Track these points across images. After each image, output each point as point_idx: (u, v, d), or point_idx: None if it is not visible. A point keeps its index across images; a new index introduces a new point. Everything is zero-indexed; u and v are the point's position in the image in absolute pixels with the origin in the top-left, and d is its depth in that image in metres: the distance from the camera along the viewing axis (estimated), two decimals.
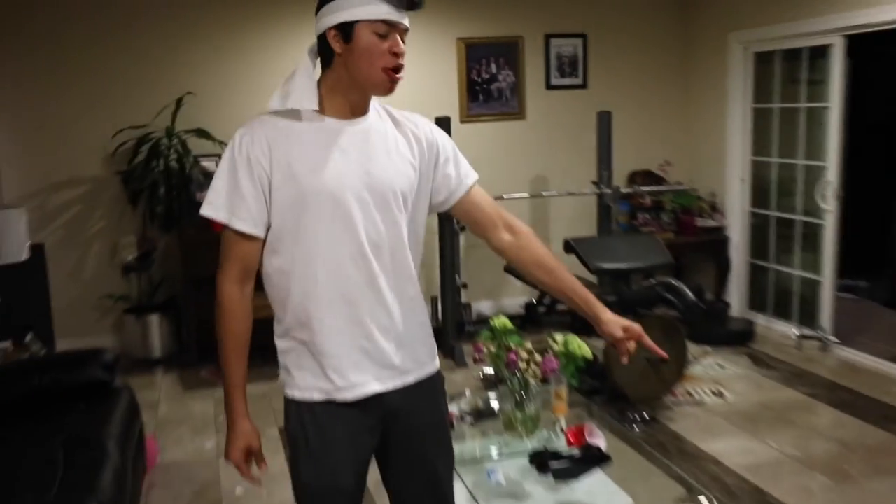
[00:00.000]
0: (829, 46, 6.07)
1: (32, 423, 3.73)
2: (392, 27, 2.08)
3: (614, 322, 2.35)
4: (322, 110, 2.16)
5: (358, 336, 2.18)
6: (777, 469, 4.33)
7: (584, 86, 7.50)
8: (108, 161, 6.54)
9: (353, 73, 2.11)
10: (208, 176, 6.34)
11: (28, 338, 5.09)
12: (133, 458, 3.72)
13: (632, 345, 2.36)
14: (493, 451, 3.67)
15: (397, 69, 2.12)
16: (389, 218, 2.18)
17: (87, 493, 3.03)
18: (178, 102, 6.45)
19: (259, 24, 6.74)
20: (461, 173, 2.35)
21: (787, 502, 3.97)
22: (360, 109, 2.19)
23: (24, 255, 4.67)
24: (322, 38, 2.13)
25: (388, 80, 2.12)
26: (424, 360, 2.33)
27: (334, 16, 2.07)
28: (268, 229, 2.15)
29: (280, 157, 2.10)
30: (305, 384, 2.21)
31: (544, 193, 7.22)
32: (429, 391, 2.35)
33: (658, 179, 7.54)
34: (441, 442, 2.43)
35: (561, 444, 3.74)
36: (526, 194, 7.04)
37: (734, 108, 7.08)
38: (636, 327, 2.35)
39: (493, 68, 7.27)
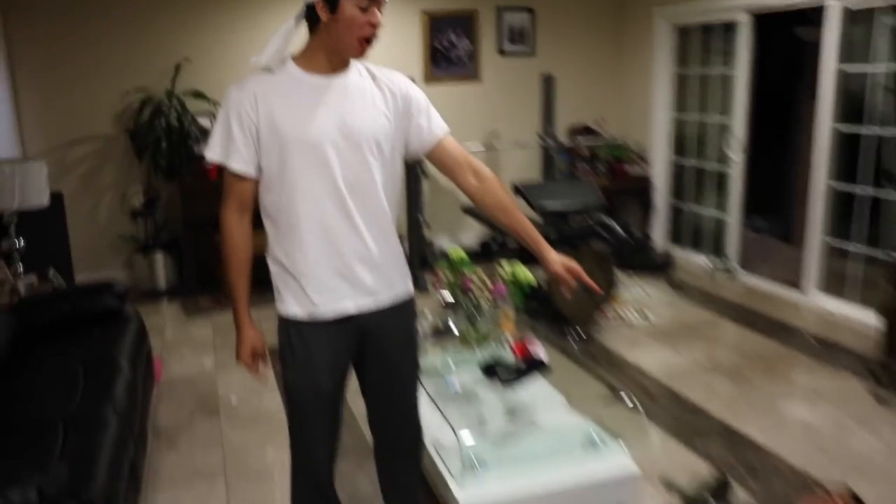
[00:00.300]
0: (737, 23, 6.10)
1: (56, 345, 3.77)
2: (373, 2, 2.10)
3: (558, 261, 2.42)
4: (306, 68, 2.19)
5: (336, 262, 2.22)
6: (688, 374, 4.45)
7: (531, 53, 7.47)
8: (117, 119, 6.47)
9: (334, 38, 2.14)
10: (204, 132, 6.31)
11: (50, 273, 5.08)
12: (143, 374, 3.75)
13: (573, 281, 2.43)
14: (451, 364, 3.74)
15: (371, 38, 2.15)
16: (363, 161, 2.20)
17: (105, 402, 3.09)
18: (177, 67, 6.38)
19: None
20: (433, 124, 2.35)
21: (695, 400, 4.10)
22: (340, 67, 2.21)
23: (45, 202, 4.64)
24: (310, 6, 2.14)
25: (362, 47, 2.16)
26: (397, 285, 2.36)
27: None
28: (261, 171, 2.20)
29: (266, 109, 2.14)
30: (291, 303, 2.26)
31: (496, 146, 7.25)
32: (401, 312, 2.39)
33: (594, 133, 7.58)
34: (410, 357, 2.48)
35: (508, 356, 3.82)
36: (481, 147, 7.08)
37: (658, 73, 7.10)
38: (576, 267, 2.42)
39: (453, 37, 7.22)
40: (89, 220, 6.56)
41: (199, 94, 6.39)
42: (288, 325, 2.29)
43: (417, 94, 2.35)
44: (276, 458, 3.61)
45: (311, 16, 2.17)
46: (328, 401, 2.35)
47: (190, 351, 5.14)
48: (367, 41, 2.15)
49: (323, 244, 2.21)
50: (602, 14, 7.66)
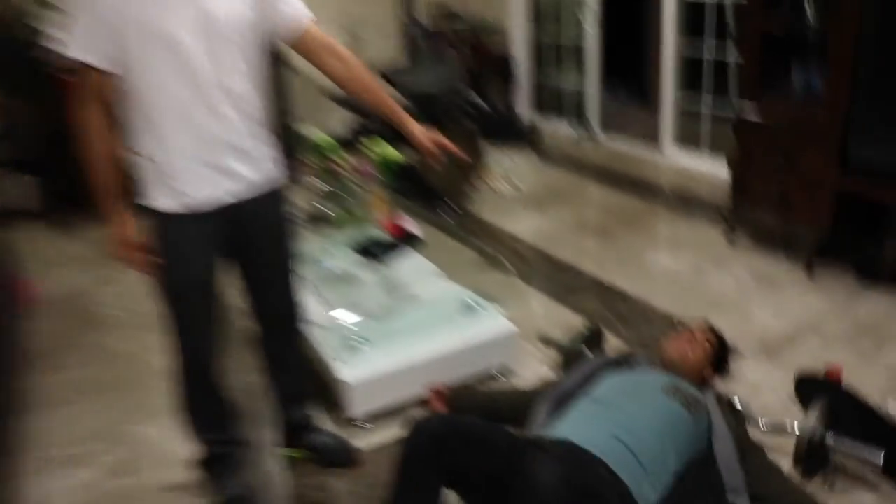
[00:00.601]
0: None
1: None
2: None
3: (423, 134, 2.38)
4: None
5: (204, 153, 2.08)
6: (558, 236, 4.46)
7: None
8: None
9: None
10: (54, 42, 5.73)
11: None
12: (6, 294, 3.44)
13: (439, 153, 2.39)
14: (327, 248, 3.61)
15: None
16: (224, 49, 2.03)
17: None
18: None
19: None
20: (298, 11, 2.20)
21: (567, 259, 4.10)
22: None
23: None
24: None
25: None
26: (268, 171, 2.24)
27: None
28: (115, 62, 1.99)
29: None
30: (160, 196, 2.10)
31: (358, 33, 6.90)
32: (274, 199, 2.28)
33: (456, 15, 7.32)
34: (285, 242, 2.36)
35: (382, 235, 3.70)
36: (343, 33, 6.71)
37: None
38: (441, 138, 2.39)
39: None
40: None
41: (44, 2, 5.74)
42: (158, 219, 2.13)
43: None
44: (166, 364, 3.40)
45: None
46: (205, 292, 2.23)
47: (65, 270, 4.79)
48: None
49: (189, 135, 2.06)
50: None
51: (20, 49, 5.59)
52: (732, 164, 4.07)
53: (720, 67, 5.18)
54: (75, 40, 1.97)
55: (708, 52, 5.23)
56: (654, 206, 4.84)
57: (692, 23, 5.37)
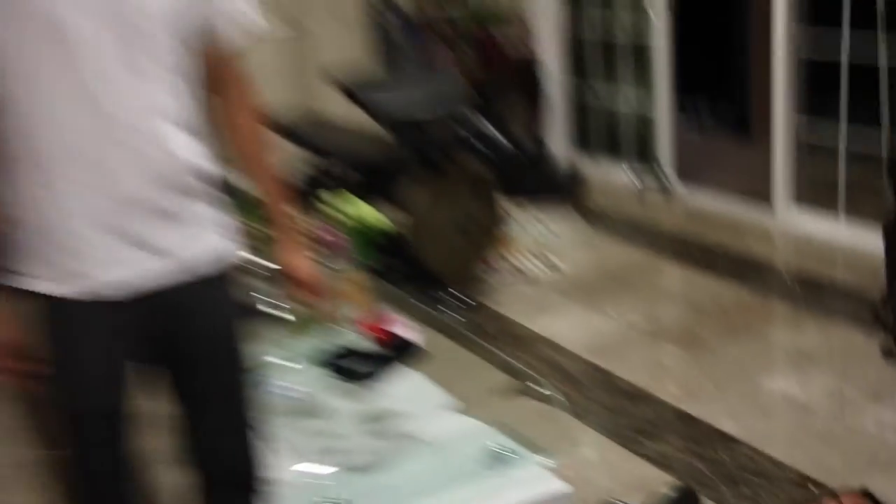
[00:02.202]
0: None
1: None
2: None
3: (295, 266, 2.55)
4: None
5: (101, 208, 2.10)
6: (622, 345, 4.56)
7: None
8: None
9: None
10: None
11: None
12: None
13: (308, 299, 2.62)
14: (280, 360, 3.70)
15: None
16: (137, 52, 2.07)
17: None
18: None
19: None
20: (233, 6, 2.29)
21: (638, 382, 4.19)
22: None
23: None
24: None
25: None
26: (202, 239, 2.27)
27: None
28: None
29: None
30: (39, 273, 2.15)
31: (306, 25, 7.16)
32: (212, 282, 2.29)
33: None
34: (234, 352, 2.41)
35: (361, 340, 3.81)
36: (284, 27, 6.97)
37: None
38: (318, 284, 2.57)
39: None
40: None
41: None
42: (43, 308, 2.18)
43: None
44: None
45: None
46: (109, 421, 2.28)
47: None
48: None
49: (80, 178, 2.07)
50: None
51: None
52: (888, 231, 4.17)
53: (864, 76, 5.22)
54: None
55: (845, 52, 5.29)
56: (765, 299, 4.94)
57: (819, 6, 5.47)
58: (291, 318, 3.75)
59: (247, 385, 2.47)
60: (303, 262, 2.53)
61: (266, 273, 4.03)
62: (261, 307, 3.97)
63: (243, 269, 2.43)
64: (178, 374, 2.37)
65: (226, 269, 2.34)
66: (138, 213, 2.12)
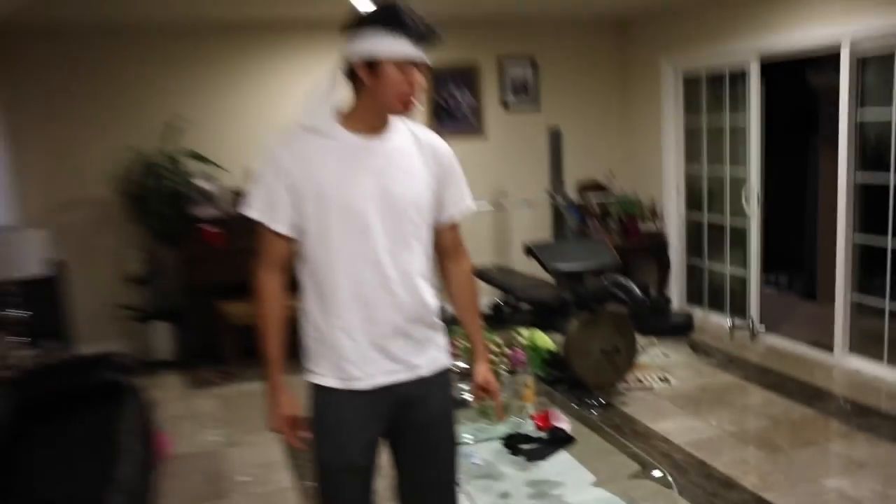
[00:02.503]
0: (745, 69, 6.19)
1: (56, 420, 3.72)
2: (412, 63, 2.16)
3: (480, 374, 2.51)
4: (350, 127, 2.22)
5: (372, 333, 2.24)
6: (717, 444, 4.42)
7: (536, 106, 7.57)
8: (115, 183, 6.48)
9: (377, 98, 2.18)
10: (203, 194, 6.36)
11: (52, 343, 5.05)
12: (147, 451, 3.70)
13: (485, 397, 2.56)
14: (470, 437, 3.74)
15: (413, 98, 2.19)
16: (403, 229, 2.24)
17: (109, 483, 3.03)
18: (170, 126, 6.41)
19: (246, 58, 6.75)
20: (464, 197, 2.43)
21: (728, 473, 4.06)
22: (382, 126, 2.25)
23: (41, 271, 4.63)
24: (351, 68, 2.19)
25: (404, 107, 2.20)
26: (434, 356, 2.37)
27: (363, 49, 2.14)
28: (299, 232, 2.23)
29: (306, 169, 2.18)
30: (324, 371, 2.28)
31: (505, 204, 7.33)
32: (438, 384, 2.39)
33: (604, 189, 7.65)
34: (448, 431, 2.44)
35: (530, 427, 3.83)
36: (488, 205, 7.15)
37: (668, 123, 7.17)
38: (493, 387, 2.52)
39: (455, 92, 7.32)
40: (88, 288, 6.50)
41: (197, 156, 6.43)
42: (319, 393, 2.30)
43: (455, 162, 2.40)
44: None
45: (352, 76, 2.20)
46: (361, 476, 2.33)
47: (196, 426, 5.10)
48: (410, 101, 2.19)
49: (360, 314, 2.23)
50: (606, 63, 7.78)
51: (172, 200, 6.24)
52: None
53: None
54: (264, 203, 2.21)
55: (889, 244, 5.21)
56: (826, 417, 4.74)
57: (870, 205, 5.41)
58: (477, 407, 3.78)
59: (455, 454, 2.48)
60: (483, 370, 2.51)
61: (463, 374, 4.10)
62: (462, 399, 4.02)
63: (452, 371, 2.47)
64: (405, 444, 2.41)
65: (442, 372, 2.40)
66: (397, 339, 2.27)
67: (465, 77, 7.36)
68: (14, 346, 4.54)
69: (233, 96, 6.74)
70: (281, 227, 2.22)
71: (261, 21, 6.58)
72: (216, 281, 6.13)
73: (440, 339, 2.41)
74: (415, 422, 2.36)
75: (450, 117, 7.33)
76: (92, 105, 6.46)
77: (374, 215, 2.19)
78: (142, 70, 6.55)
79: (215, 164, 6.48)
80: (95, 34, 6.38)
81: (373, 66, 2.14)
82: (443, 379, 2.41)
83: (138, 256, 6.54)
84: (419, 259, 2.30)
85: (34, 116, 6.35)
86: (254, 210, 2.23)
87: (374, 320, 2.24)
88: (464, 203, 2.43)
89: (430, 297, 2.35)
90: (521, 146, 7.50)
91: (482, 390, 2.52)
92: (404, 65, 2.14)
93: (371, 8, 2.16)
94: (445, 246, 2.45)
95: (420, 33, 2.15)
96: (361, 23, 2.16)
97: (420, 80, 2.19)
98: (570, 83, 7.68)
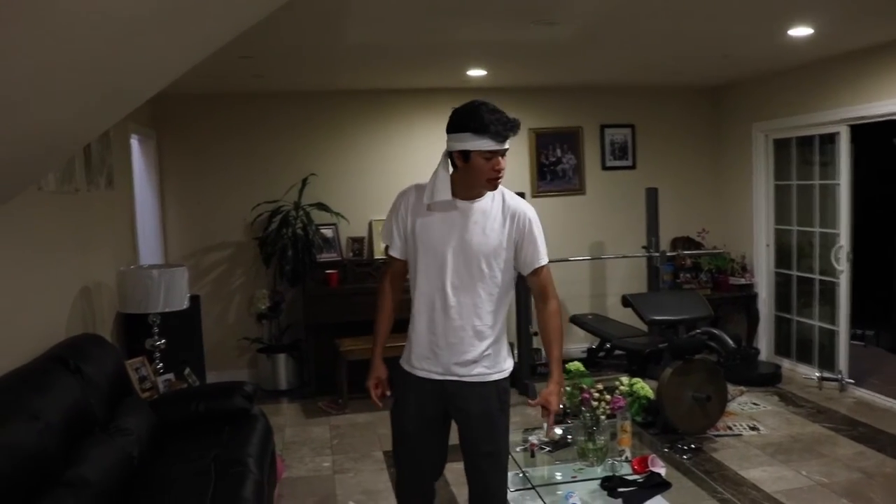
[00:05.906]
0: (836, 134, 6.02)
1: (189, 441, 3.81)
2: (496, 153, 2.65)
3: (546, 392, 2.87)
4: (455, 192, 2.74)
5: (430, 341, 2.80)
6: (809, 495, 4.20)
7: (633, 167, 7.52)
8: (248, 229, 6.77)
9: (468, 177, 2.72)
10: (327, 241, 6.55)
11: (186, 371, 5.22)
12: (268, 473, 3.75)
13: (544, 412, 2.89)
14: (569, 476, 3.68)
15: (497, 179, 2.71)
16: (470, 272, 2.74)
17: (235, 501, 3.08)
18: (304, 182, 6.65)
19: (368, 121, 6.95)
20: (537, 255, 2.82)
21: None
22: (476, 195, 2.77)
23: (186, 305, 4.79)
24: (450, 153, 2.73)
25: (490, 185, 2.74)
26: (480, 371, 2.79)
27: (458, 144, 2.66)
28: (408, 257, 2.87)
29: (413, 216, 2.80)
30: (405, 357, 2.90)
31: (602, 257, 7.25)
32: (479, 390, 2.79)
33: (697, 244, 7.50)
34: (489, 434, 2.81)
35: (627, 470, 3.74)
36: (587, 257, 7.09)
37: (758, 185, 7.02)
38: (552, 406, 2.86)
39: (559, 153, 7.34)
40: (219, 322, 6.78)
41: (322, 206, 6.63)
42: (399, 371, 2.91)
43: (534, 227, 2.81)
44: None
45: (452, 159, 2.74)
46: (411, 441, 2.88)
47: (309, 451, 5.17)
48: (494, 181, 2.71)
49: (426, 325, 2.80)
50: (700, 128, 7.67)
51: (298, 245, 6.40)
52: None
53: None
54: (388, 234, 2.88)
55: None
56: None
57: None
58: (577, 448, 3.73)
59: (499, 459, 2.86)
60: (550, 390, 2.86)
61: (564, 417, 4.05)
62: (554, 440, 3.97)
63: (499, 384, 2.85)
64: (459, 430, 2.89)
65: (485, 383, 2.81)
66: (446, 350, 2.80)
67: (569, 139, 7.37)
68: (155, 372, 4.70)
69: (356, 155, 6.93)
70: (395, 252, 2.90)
71: (384, 90, 6.79)
72: (334, 319, 6.25)
73: (489, 360, 2.80)
74: (459, 412, 2.83)
75: (552, 175, 7.34)
76: (232, 161, 6.75)
77: (449, 258, 2.73)
78: (277, 131, 6.82)
79: (338, 214, 6.66)
80: (238, 99, 6.69)
81: (466, 156, 2.66)
82: (485, 389, 2.80)
83: (265, 294, 6.73)
84: (479, 296, 2.75)
85: (182, 171, 6.67)
86: (383, 237, 2.94)
87: (433, 332, 2.79)
88: (538, 260, 2.82)
89: (484, 327, 2.77)
90: (618, 203, 7.41)
91: (545, 413, 2.87)
92: (489, 155, 2.63)
93: (464, 112, 2.65)
94: (534, 289, 2.91)
95: (500, 133, 2.59)
96: (456, 128, 2.66)
97: (502, 164, 2.67)
98: (666, 145, 7.59)
